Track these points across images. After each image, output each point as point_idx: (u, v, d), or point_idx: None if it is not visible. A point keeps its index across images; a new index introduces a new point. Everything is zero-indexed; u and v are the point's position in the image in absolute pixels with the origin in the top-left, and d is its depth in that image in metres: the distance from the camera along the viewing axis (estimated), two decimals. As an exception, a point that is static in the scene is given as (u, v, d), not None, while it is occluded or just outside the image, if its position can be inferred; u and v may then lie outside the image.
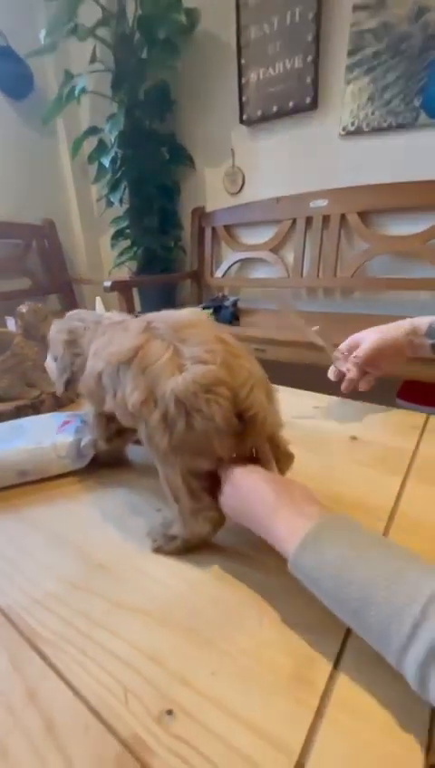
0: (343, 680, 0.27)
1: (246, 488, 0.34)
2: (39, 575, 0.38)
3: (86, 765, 0.23)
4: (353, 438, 0.59)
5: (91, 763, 0.23)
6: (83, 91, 1.71)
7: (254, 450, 0.39)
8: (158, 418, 0.34)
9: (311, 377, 0.91)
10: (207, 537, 0.38)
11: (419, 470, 0.50)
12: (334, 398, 0.72)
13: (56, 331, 0.51)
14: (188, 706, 0.26)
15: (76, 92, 1.71)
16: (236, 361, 0.36)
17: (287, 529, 0.30)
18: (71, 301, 2.31)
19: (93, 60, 1.67)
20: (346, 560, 0.26)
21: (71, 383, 0.50)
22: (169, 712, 0.26)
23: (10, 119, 2.00)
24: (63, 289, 2.27)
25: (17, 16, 1.88)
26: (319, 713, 0.25)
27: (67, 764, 0.23)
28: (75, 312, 0.53)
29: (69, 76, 1.77)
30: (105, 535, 0.42)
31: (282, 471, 0.46)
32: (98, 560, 0.39)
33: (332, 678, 0.27)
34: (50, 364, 0.54)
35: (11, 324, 0.85)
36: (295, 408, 0.68)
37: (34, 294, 2.15)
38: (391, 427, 0.62)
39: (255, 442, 0.38)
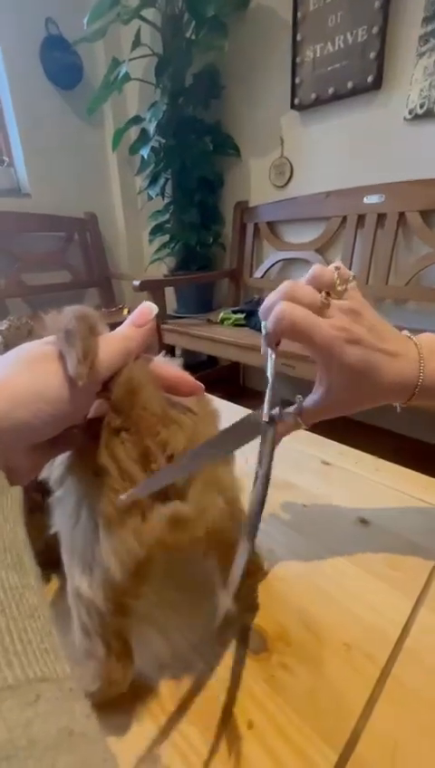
0: None
1: None
2: None
3: None
4: (363, 522, 0.46)
5: None
6: (127, 77, 1.63)
7: None
8: None
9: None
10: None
11: (442, 592, 0.36)
12: (352, 451, 0.59)
13: None
14: None
15: (117, 79, 1.64)
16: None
17: None
18: (110, 296, 2.29)
19: (137, 44, 1.58)
20: None
21: None
22: None
23: (58, 109, 1.98)
24: (103, 283, 2.26)
25: (69, 3, 1.84)
26: None
27: None
28: None
29: (115, 63, 1.70)
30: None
31: (252, 585, 0.35)
32: None
33: None
34: None
35: None
36: (299, 464, 0.56)
37: (74, 288, 2.16)
38: (417, 510, 0.47)
39: None
